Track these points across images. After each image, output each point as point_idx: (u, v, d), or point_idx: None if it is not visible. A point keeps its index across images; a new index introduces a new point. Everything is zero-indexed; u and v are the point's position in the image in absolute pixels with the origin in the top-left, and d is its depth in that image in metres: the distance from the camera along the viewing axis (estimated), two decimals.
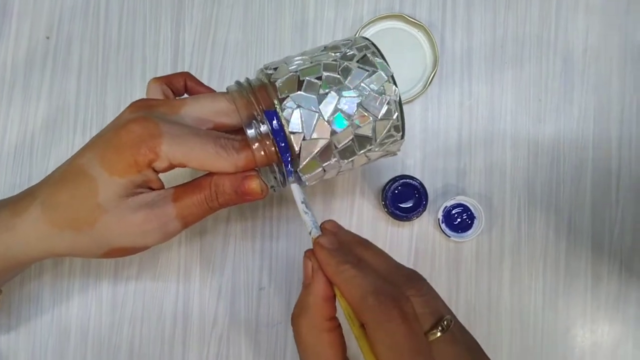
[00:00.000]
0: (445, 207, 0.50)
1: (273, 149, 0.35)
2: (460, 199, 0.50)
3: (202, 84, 0.42)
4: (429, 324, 0.31)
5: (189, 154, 0.34)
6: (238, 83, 0.38)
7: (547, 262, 0.51)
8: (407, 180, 0.49)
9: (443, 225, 0.50)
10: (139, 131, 0.33)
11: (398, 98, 0.37)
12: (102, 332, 0.51)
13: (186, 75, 0.41)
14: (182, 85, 0.41)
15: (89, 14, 0.54)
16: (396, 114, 0.37)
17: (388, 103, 0.37)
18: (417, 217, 0.49)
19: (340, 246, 0.34)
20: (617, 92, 0.53)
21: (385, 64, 0.38)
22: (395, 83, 0.37)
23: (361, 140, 0.37)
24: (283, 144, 0.35)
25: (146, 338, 0.51)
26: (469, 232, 0.50)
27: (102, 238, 0.35)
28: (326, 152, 0.36)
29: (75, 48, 0.54)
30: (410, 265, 0.51)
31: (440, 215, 0.50)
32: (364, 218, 0.52)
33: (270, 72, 0.37)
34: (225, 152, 0.34)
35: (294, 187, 0.37)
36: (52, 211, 0.35)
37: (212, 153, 0.34)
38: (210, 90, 0.43)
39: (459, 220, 0.50)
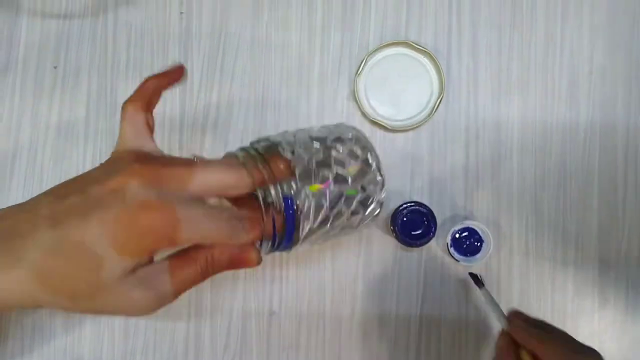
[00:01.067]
0: (454, 231, 0.50)
1: (280, 229, 0.37)
2: (468, 224, 0.50)
3: (167, 76, 0.40)
4: None
5: (204, 238, 0.34)
6: (252, 158, 0.38)
7: (555, 285, 0.52)
8: (416, 207, 0.49)
9: (452, 249, 0.50)
10: (158, 220, 0.32)
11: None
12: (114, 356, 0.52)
13: (155, 82, 0.39)
14: (158, 97, 0.39)
15: (96, 42, 0.54)
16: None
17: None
18: (426, 244, 0.49)
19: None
20: (623, 110, 0.53)
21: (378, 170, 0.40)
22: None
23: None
24: (291, 226, 0.37)
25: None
26: (478, 255, 0.50)
27: (96, 308, 0.34)
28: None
29: (83, 76, 0.54)
30: (420, 289, 0.52)
31: (448, 239, 0.50)
32: (373, 243, 0.52)
33: (288, 154, 0.37)
34: (237, 236, 0.35)
35: (484, 293, 0.46)
36: (46, 279, 0.33)
37: (225, 236, 0.35)
38: (174, 76, 0.40)
39: (467, 244, 0.50)
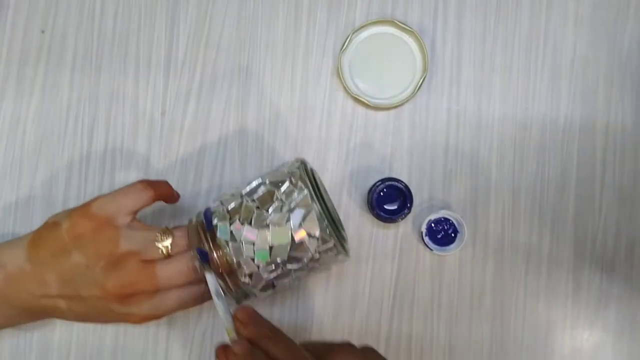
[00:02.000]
0: (429, 220, 0.50)
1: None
2: (444, 213, 0.50)
3: (173, 194, 0.48)
4: None
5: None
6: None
7: (529, 269, 0.52)
8: (393, 182, 0.49)
9: (426, 239, 0.50)
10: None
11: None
12: (86, 327, 0.51)
13: (168, 189, 0.48)
14: (156, 199, 0.46)
15: (84, 8, 0.55)
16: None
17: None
18: (402, 219, 0.49)
19: (251, 351, 0.37)
20: (603, 102, 0.54)
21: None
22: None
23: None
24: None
25: (130, 333, 0.51)
26: (452, 246, 0.50)
27: None
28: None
29: (70, 42, 0.54)
30: (394, 268, 0.52)
31: (423, 228, 0.50)
32: (350, 219, 0.52)
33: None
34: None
35: (209, 277, 0.41)
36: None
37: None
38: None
39: (442, 233, 0.51)
